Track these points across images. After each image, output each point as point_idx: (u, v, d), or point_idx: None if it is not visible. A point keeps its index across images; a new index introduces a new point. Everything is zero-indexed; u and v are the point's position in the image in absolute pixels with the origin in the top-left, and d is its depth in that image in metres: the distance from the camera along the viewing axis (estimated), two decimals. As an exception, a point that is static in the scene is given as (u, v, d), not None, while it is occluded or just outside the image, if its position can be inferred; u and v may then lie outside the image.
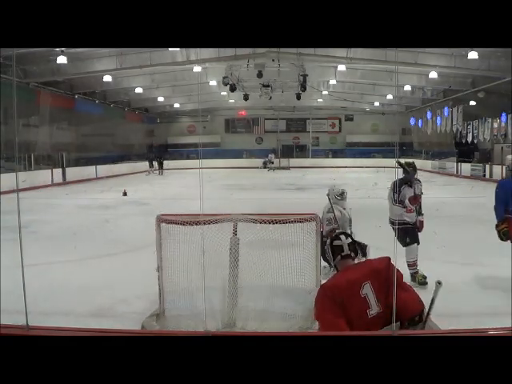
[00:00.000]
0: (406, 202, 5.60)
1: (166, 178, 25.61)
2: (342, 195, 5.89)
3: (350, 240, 2.87)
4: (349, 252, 2.82)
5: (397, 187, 5.65)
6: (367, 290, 2.60)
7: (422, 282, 5.29)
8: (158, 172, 28.58)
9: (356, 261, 2.87)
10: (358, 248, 2.90)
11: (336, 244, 2.85)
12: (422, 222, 5.76)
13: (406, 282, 2.80)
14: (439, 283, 2.45)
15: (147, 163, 29.84)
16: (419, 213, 5.76)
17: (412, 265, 5.53)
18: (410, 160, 6.06)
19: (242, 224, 4.06)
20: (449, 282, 5.28)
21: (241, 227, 4.08)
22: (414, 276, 5.48)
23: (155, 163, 29.50)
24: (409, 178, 5.71)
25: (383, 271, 2.63)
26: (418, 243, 5.62)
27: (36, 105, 20.73)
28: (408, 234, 5.55)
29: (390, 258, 2.72)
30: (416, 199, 5.66)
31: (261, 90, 23.62)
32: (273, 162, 33.44)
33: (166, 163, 29.89)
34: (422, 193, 5.83)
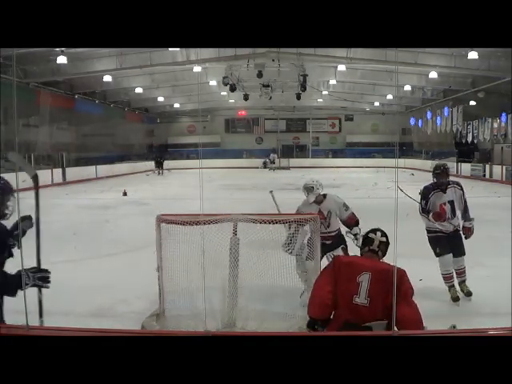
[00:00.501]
0: (430, 217, 4.99)
1: (166, 178, 25.61)
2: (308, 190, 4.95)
3: (384, 239, 3.03)
4: (377, 249, 2.99)
5: (427, 194, 5.10)
6: (364, 279, 2.78)
7: (455, 298, 4.88)
8: (157, 172, 28.55)
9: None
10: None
11: (370, 236, 3.04)
12: (468, 229, 5.03)
13: (413, 300, 2.81)
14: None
15: (152, 163, 29.79)
16: (465, 218, 5.06)
17: (447, 277, 5.03)
18: (441, 162, 5.46)
19: (242, 224, 4.06)
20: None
21: (241, 227, 4.08)
22: (449, 289, 5.01)
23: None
24: (440, 183, 5.08)
25: (388, 276, 2.63)
26: (459, 254, 5.09)
27: (36, 105, 20.72)
28: (439, 243, 5.04)
29: (403, 272, 2.83)
30: (440, 215, 4.95)
31: (261, 90, 23.61)
32: (274, 162, 33.38)
33: (165, 163, 29.83)
34: (463, 198, 5.13)
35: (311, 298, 3.01)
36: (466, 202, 5.15)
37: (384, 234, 3.06)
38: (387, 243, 3.04)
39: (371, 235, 3.05)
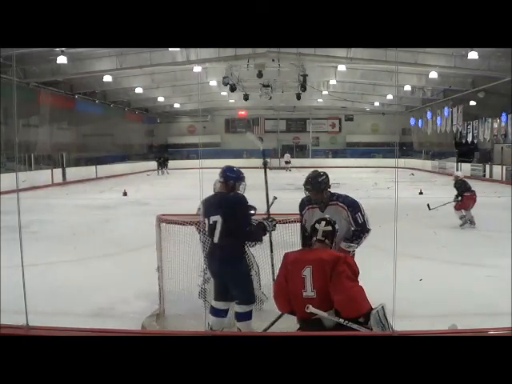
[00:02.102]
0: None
1: (167, 178, 25.61)
2: None
3: (329, 228, 3.05)
4: (323, 238, 3.02)
5: (300, 209, 3.92)
6: (307, 273, 2.83)
7: None
8: (157, 172, 28.53)
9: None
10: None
11: (315, 227, 3.09)
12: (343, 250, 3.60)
13: (349, 282, 2.82)
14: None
15: (154, 163, 29.76)
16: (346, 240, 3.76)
17: None
18: (316, 171, 3.91)
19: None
20: (449, 282, 5.32)
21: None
22: None
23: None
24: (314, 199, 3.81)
25: (328, 264, 2.80)
26: None
27: (36, 105, 20.72)
28: None
29: (343, 256, 2.94)
30: None
31: (261, 90, 23.61)
32: (289, 162, 32.95)
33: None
34: (350, 219, 3.77)
35: (274, 297, 3.10)
36: (358, 223, 3.79)
37: (329, 223, 3.08)
38: (333, 231, 3.07)
39: (316, 225, 3.08)
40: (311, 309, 2.71)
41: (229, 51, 17.86)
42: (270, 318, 3.53)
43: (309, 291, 2.80)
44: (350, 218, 3.76)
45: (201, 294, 4.06)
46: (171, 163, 30.23)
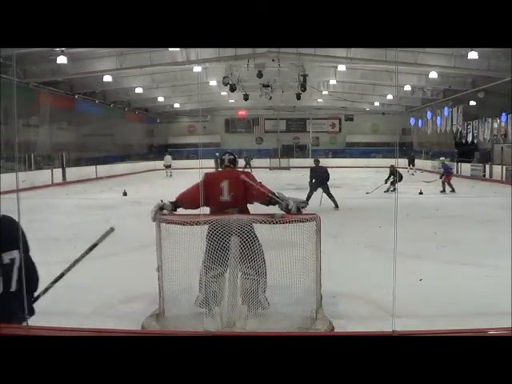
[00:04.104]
0: None
1: (167, 178, 25.62)
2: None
3: (231, 157, 4.75)
4: (229, 164, 4.68)
5: None
6: (224, 185, 4.30)
7: None
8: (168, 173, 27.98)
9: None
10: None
11: (223, 158, 4.76)
12: None
13: (252, 183, 4.26)
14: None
15: (154, 163, 29.61)
16: None
17: None
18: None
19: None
20: (449, 282, 5.33)
21: (241, 227, 4.07)
22: None
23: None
24: None
25: (237, 177, 4.35)
26: None
27: (36, 105, 20.73)
28: None
29: (242, 173, 4.53)
30: None
31: (261, 90, 23.61)
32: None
33: (161, 163, 29.56)
34: None
35: (183, 196, 4.39)
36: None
37: (231, 154, 4.83)
38: (235, 159, 4.77)
39: (223, 157, 4.75)
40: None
41: (229, 51, 17.86)
42: (270, 318, 3.53)
43: (225, 196, 4.28)
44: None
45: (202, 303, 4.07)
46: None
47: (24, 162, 19.70)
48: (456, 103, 25.92)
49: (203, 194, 4.18)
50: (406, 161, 28.28)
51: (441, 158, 18.65)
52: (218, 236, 3.91)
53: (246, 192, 4.26)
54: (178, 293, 4.13)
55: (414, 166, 27.98)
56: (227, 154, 4.78)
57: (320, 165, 12.59)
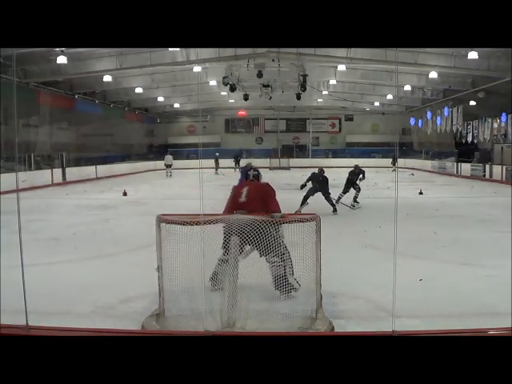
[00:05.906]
0: None
1: (167, 178, 25.61)
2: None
3: (256, 173, 5.53)
4: (253, 178, 5.47)
5: None
6: (244, 190, 5.01)
7: None
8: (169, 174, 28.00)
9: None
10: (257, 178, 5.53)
11: (249, 173, 5.57)
12: None
13: (276, 199, 4.98)
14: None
15: (155, 163, 29.55)
16: None
17: None
18: None
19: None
20: (449, 282, 5.33)
21: (241, 227, 4.07)
22: None
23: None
24: None
25: (257, 186, 5.27)
26: None
27: (36, 105, 20.71)
28: None
29: (269, 186, 5.19)
30: None
31: (261, 90, 23.58)
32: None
33: (161, 163, 29.53)
34: None
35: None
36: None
37: (255, 170, 5.62)
38: (258, 174, 5.54)
39: (248, 173, 5.59)
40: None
41: (229, 51, 17.85)
42: (270, 318, 3.52)
43: (243, 198, 4.90)
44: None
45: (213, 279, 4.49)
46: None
47: (24, 162, 19.69)
48: (456, 103, 25.90)
49: (230, 200, 5.07)
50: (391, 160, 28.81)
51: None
52: (226, 231, 4.26)
53: (265, 202, 4.88)
54: (178, 293, 4.13)
55: (395, 164, 27.84)
56: (252, 170, 5.66)
57: (324, 174, 11.92)
